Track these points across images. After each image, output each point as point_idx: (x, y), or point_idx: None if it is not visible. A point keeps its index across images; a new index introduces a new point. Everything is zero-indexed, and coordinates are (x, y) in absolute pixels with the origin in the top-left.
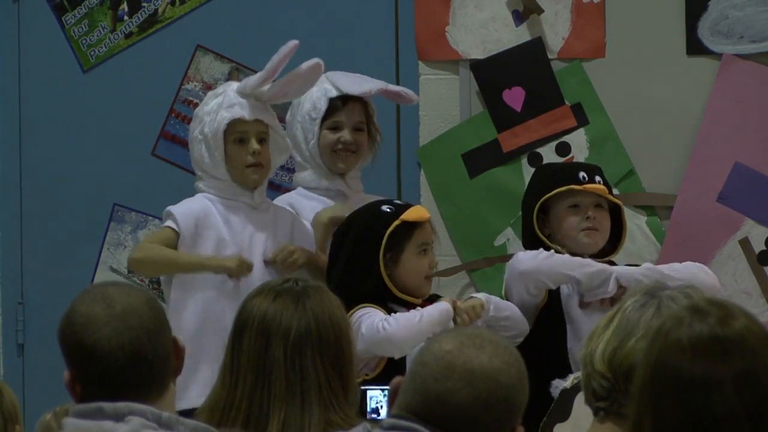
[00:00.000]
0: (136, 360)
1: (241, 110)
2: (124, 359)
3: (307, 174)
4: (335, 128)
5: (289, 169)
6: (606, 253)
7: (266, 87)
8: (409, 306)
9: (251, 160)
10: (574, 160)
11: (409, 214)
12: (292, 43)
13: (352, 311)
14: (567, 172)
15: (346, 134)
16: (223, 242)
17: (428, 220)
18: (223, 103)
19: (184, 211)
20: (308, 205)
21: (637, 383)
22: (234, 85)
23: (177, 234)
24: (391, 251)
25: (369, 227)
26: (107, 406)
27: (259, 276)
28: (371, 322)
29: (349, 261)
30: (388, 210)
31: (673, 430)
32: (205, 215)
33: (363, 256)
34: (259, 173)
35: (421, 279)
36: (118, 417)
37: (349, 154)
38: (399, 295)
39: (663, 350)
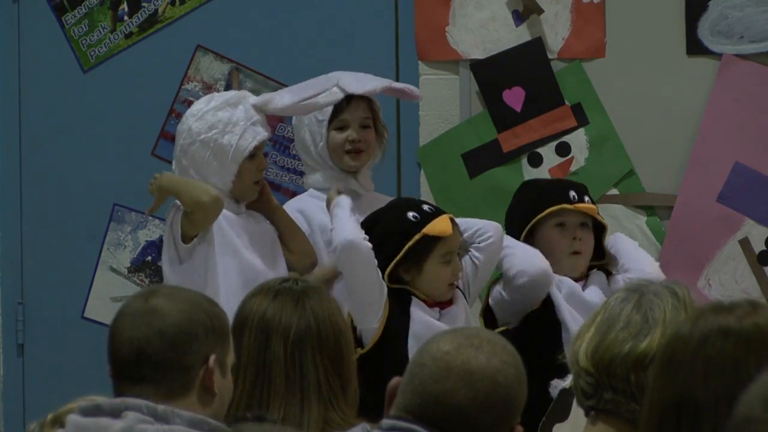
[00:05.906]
0: (139, 356)
1: (264, 130)
2: (128, 353)
3: (319, 176)
4: (341, 128)
5: (289, 169)
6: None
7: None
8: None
9: (259, 177)
10: (574, 160)
11: (432, 228)
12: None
13: None
14: (557, 191)
15: (352, 133)
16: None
17: (453, 232)
18: (249, 118)
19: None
20: (317, 205)
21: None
22: (250, 98)
23: None
24: (412, 262)
25: (391, 235)
26: (105, 402)
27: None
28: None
29: None
30: (413, 219)
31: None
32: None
33: (382, 263)
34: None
35: (445, 286)
36: (115, 413)
37: (358, 152)
38: (420, 296)
39: (670, 337)
